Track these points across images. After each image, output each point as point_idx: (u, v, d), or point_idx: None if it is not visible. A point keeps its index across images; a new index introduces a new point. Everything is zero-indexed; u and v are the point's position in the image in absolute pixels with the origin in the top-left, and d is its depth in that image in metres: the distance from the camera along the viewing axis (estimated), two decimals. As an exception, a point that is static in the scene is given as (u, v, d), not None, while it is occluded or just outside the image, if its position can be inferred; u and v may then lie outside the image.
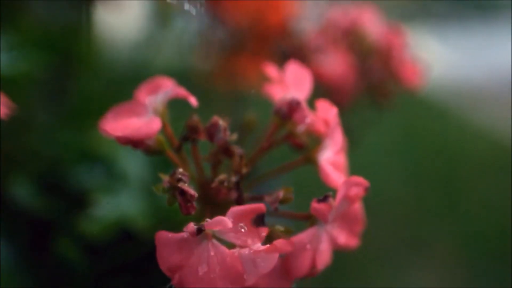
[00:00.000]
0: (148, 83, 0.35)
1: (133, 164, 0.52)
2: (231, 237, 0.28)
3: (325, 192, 0.31)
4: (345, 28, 0.68)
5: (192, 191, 0.29)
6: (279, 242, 0.29)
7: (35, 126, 0.62)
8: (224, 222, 0.28)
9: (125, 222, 0.47)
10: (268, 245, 0.28)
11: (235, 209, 0.29)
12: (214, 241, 0.28)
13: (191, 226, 0.28)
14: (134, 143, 0.33)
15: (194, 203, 0.30)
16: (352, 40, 0.68)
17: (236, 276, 0.28)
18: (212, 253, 0.28)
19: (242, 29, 0.74)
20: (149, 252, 0.46)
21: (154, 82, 0.35)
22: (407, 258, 1.19)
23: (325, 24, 0.70)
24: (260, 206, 0.29)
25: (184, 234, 0.28)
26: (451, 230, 1.27)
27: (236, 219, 0.29)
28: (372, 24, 0.68)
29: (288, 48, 0.67)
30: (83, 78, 0.68)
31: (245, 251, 0.28)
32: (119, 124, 0.33)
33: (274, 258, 0.28)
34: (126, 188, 0.50)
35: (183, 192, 0.29)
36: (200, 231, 0.28)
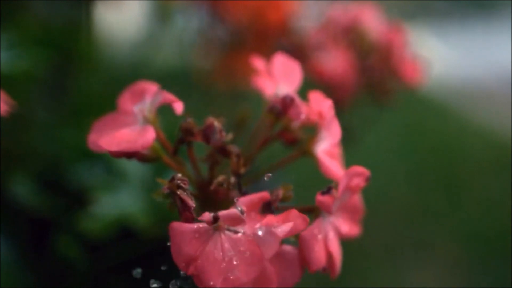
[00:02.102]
0: (130, 90, 0.34)
1: (132, 162, 0.51)
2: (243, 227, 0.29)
3: (328, 184, 0.31)
4: (346, 26, 0.68)
5: (190, 202, 0.29)
6: (290, 212, 0.29)
7: (35, 124, 0.62)
8: (239, 219, 0.28)
9: (126, 220, 0.47)
10: (280, 215, 0.29)
11: (243, 199, 0.29)
12: (227, 232, 0.28)
13: (207, 215, 0.28)
14: (129, 155, 0.32)
15: (193, 212, 0.29)
16: (352, 38, 0.68)
17: (253, 256, 0.28)
18: (225, 241, 0.28)
19: (242, 27, 0.74)
20: (150, 250, 0.46)
21: (136, 88, 0.34)
22: (407, 257, 1.19)
23: (325, 22, 0.70)
24: (265, 194, 0.30)
25: (195, 225, 0.28)
26: (451, 229, 1.27)
27: (247, 209, 0.29)
28: (373, 22, 0.68)
29: (288, 46, 0.67)
30: (83, 76, 0.68)
31: (257, 231, 0.28)
32: (111, 137, 0.32)
33: (289, 225, 0.28)
34: (126, 186, 0.50)
35: (182, 200, 0.29)
36: (216, 219, 0.28)
